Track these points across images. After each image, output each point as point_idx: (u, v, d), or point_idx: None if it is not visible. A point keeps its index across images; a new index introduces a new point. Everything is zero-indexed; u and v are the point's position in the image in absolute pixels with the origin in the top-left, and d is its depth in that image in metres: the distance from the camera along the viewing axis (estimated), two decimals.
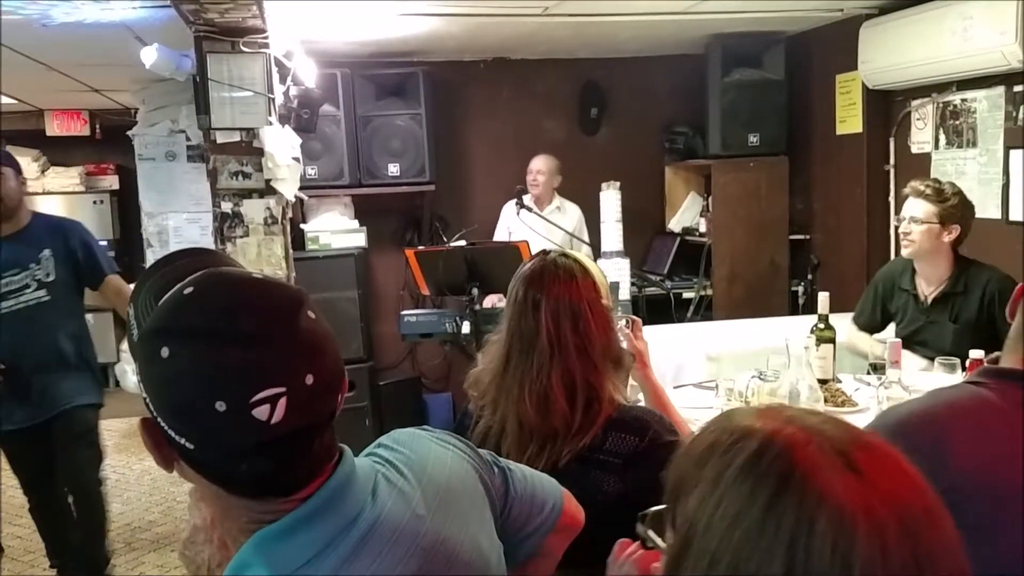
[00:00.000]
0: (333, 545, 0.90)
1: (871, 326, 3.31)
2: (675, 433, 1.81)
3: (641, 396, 2.23)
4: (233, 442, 0.85)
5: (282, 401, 0.84)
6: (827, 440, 0.65)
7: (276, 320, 0.87)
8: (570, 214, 5.09)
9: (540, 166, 5.04)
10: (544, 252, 1.91)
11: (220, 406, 0.83)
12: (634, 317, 2.29)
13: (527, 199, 4.83)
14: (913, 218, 3.01)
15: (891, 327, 3.27)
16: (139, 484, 5.21)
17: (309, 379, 0.86)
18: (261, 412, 0.84)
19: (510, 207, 5.17)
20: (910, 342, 3.09)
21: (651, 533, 0.80)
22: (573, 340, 1.75)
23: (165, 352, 0.85)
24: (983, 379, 1.43)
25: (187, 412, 0.85)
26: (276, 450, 0.86)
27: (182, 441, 0.86)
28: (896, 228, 3.21)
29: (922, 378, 2.68)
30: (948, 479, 1.37)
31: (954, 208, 2.98)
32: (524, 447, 1.75)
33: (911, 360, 2.99)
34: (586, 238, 4.93)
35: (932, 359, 2.85)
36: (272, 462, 0.87)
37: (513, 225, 5.07)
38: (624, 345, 2.16)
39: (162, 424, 0.87)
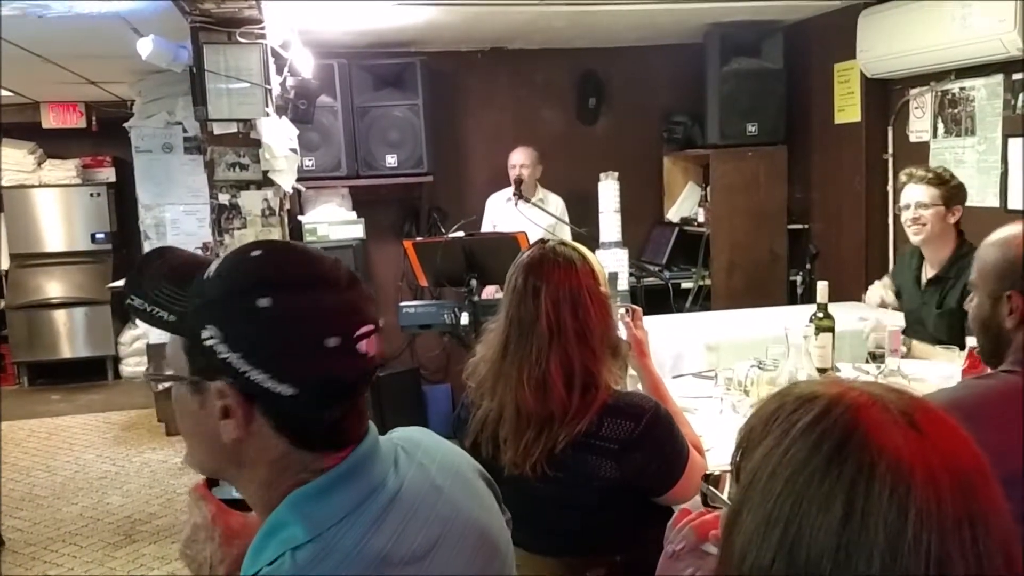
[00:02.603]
0: (362, 508, 0.95)
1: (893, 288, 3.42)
2: (670, 419, 1.82)
3: (640, 386, 2.23)
4: (336, 379, 0.94)
5: (373, 337, 0.96)
6: (891, 403, 0.69)
7: (342, 268, 0.99)
8: (554, 204, 5.08)
9: (523, 159, 5.00)
10: (543, 241, 1.92)
11: (331, 342, 0.92)
12: (634, 306, 2.30)
13: (511, 191, 4.82)
14: (920, 203, 3.05)
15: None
16: (139, 476, 5.22)
17: (381, 321, 0.99)
18: (363, 346, 0.94)
19: (494, 200, 5.16)
20: (910, 326, 3.13)
21: (712, 490, 0.83)
22: (573, 326, 1.76)
23: (265, 302, 0.91)
24: (1015, 367, 1.46)
25: (296, 354, 0.92)
26: (356, 392, 0.97)
27: (281, 389, 0.91)
28: (896, 217, 3.25)
29: (923, 366, 2.68)
30: None
31: (956, 188, 3.08)
32: (522, 433, 1.77)
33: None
34: (568, 222, 4.91)
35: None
36: (347, 407, 0.97)
37: (498, 218, 5.06)
38: (623, 334, 2.17)
39: (255, 379, 0.91)
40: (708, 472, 0.86)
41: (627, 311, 2.25)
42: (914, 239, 3.12)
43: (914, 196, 3.06)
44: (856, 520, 0.62)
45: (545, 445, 1.74)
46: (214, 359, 0.92)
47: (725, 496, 0.67)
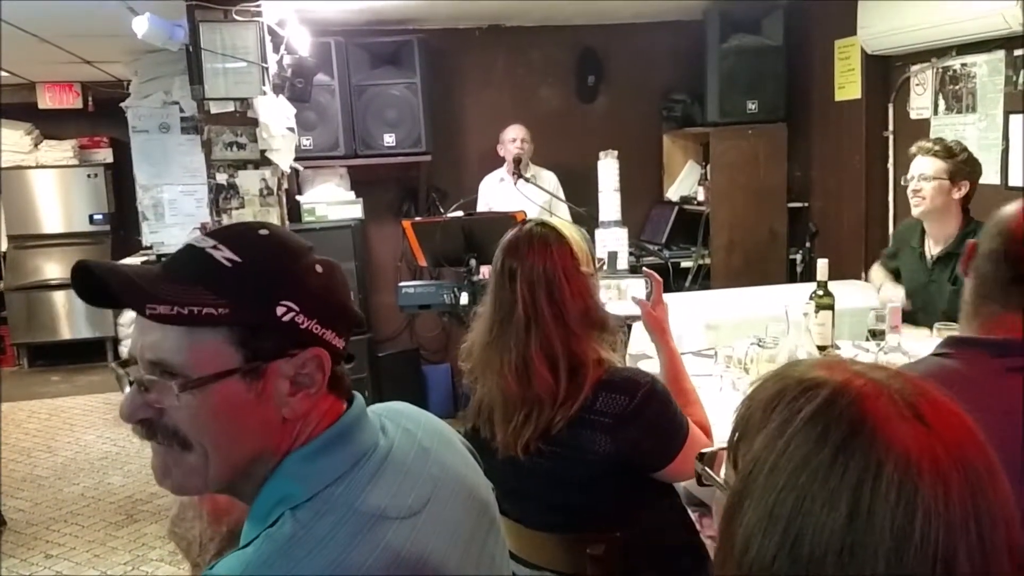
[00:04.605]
0: (356, 468, 0.98)
1: (889, 267, 3.39)
2: (666, 394, 1.81)
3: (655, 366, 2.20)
4: (359, 328, 1.06)
5: None
6: (897, 392, 0.67)
7: None
8: (547, 180, 5.05)
9: (521, 134, 4.95)
10: (523, 222, 1.91)
11: (354, 296, 1.03)
12: (656, 277, 2.23)
13: (507, 168, 4.79)
14: (923, 175, 3.01)
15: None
16: (140, 457, 5.23)
17: None
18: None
19: (488, 181, 5.14)
20: (914, 304, 3.11)
21: (708, 470, 0.82)
22: (549, 309, 1.76)
23: (320, 268, 1.00)
24: (948, 349, 1.40)
25: (345, 310, 1.02)
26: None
27: (341, 343, 1.02)
28: (899, 192, 3.21)
29: (922, 345, 2.67)
30: None
31: (963, 163, 3.00)
32: (510, 416, 1.77)
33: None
34: (563, 199, 4.90)
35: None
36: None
37: (493, 199, 5.03)
38: (639, 312, 2.15)
39: (330, 339, 1.00)
40: (703, 451, 0.85)
41: (647, 282, 2.22)
42: (914, 210, 3.10)
43: (919, 167, 3.03)
44: (862, 519, 0.61)
45: (537, 426, 1.74)
46: (294, 333, 0.95)
47: (721, 477, 0.67)
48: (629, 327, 3.19)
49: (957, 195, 3.00)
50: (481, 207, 5.10)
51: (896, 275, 3.34)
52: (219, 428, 0.95)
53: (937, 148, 3.01)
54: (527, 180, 4.69)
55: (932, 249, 3.13)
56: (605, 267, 4.37)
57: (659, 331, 2.16)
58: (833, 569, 0.61)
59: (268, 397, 0.95)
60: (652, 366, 2.74)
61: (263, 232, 1.00)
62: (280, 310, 0.94)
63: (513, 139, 4.95)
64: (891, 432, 0.64)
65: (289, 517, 0.92)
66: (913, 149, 3.11)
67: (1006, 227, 1.40)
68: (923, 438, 0.64)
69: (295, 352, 0.96)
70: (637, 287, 2.29)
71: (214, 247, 0.96)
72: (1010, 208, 1.45)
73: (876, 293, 3.30)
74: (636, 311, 2.22)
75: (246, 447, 0.97)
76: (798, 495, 0.64)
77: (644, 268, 2.38)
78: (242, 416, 0.95)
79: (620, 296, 2.32)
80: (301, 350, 0.96)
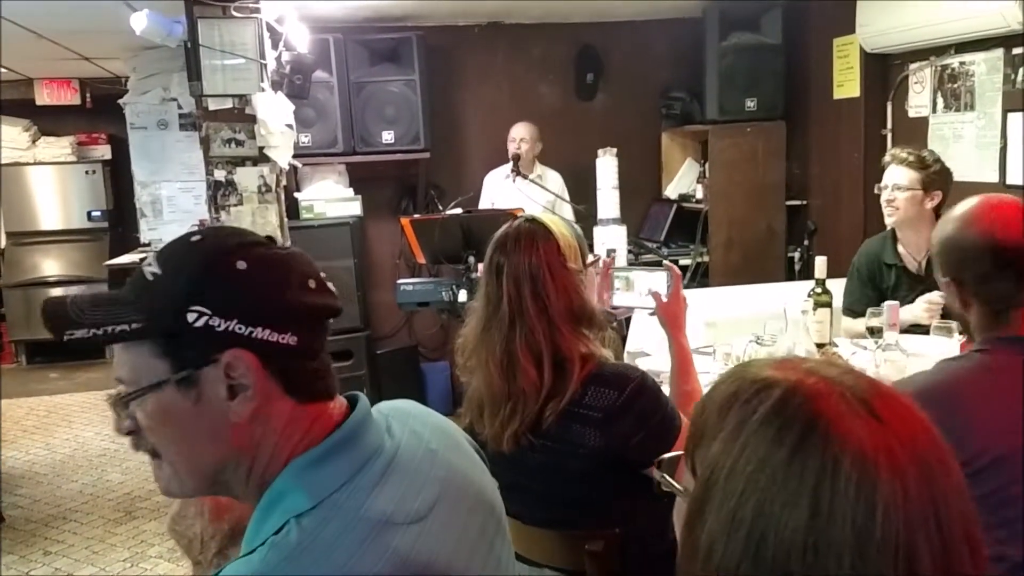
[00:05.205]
0: (361, 473, 0.97)
1: (863, 310, 3.13)
2: (657, 390, 1.81)
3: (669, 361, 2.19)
4: (323, 318, 1.00)
5: (327, 281, 1.02)
6: (848, 389, 0.67)
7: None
8: (552, 181, 5.05)
9: (523, 133, 4.96)
10: (515, 217, 1.92)
11: (312, 283, 0.98)
12: (676, 270, 2.23)
13: (509, 167, 4.79)
14: (897, 185, 3.02)
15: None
16: (138, 454, 5.21)
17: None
18: (330, 285, 1.01)
19: (492, 177, 5.13)
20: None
21: (667, 477, 0.81)
22: (534, 305, 1.78)
23: (242, 264, 0.95)
24: (987, 346, 1.43)
25: (288, 301, 0.96)
26: (319, 336, 1.00)
27: (286, 339, 0.95)
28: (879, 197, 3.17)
29: (919, 341, 2.67)
30: (981, 445, 1.38)
31: (936, 174, 3.01)
32: (496, 411, 1.79)
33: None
34: (568, 199, 4.89)
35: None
36: (324, 355, 1.01)
37: (496, 195, 5.03)
38: (651, 307, 2.15)
39: (260, 337, 0.94)
40: (661, 457, 0.84)
41: (668, 275, 2.21)
42: (887, 220, 3.11)
43: (893, 178, 3.04)
44: (823, 518, 0.61)
45: (523, 420, 1.76)
46: (211, 337, 0.92)
47: (682, 484, 0.66)
48: (627, 322, 3.19)
49: (930, 204, 3.01)
50: (484, 202, 5.10)
51: (878, 300, 3.07)
52: (170, 437, 0.98)
53: (911, 158, 3.02)
54: (525, 178, 4.69)
55: (915, 258, 3.11)
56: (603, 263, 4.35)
57: (672, 325, 2.16)
58: (798, 568, 0.61)
59: (208, 403, 0.95)
60: (650, 364, 2.75)
61: (195, 239, 0.99)
62: (191, 316, 0.92)
63: (513, 138, 4.95)
64: (845, 429, 0.64)
65: (294, 525, 0.92)
66: (887, 158, 3.12)
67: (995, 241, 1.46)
68: (877, 434, 0.64)
69: (218, 356, 0.94)
70: (648, 279, 2.30)
71: (148, 263, 0.98)
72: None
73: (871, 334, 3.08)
74: (643, 303, 2.22)
75: (206, 455, 0.98)
76: (759, 498, 0.64)
77: (665, 261, 2.38)
78: (186, 424, 0.96)
79: (628, 288, 2.31)
80: (223, 354, 0.94)
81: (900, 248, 3.14)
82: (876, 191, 3.15)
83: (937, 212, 3.03)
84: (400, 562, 0.93)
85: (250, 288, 0.94)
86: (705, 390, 0.76)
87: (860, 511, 0.61)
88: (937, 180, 3.01)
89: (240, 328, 0.93)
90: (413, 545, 0.95)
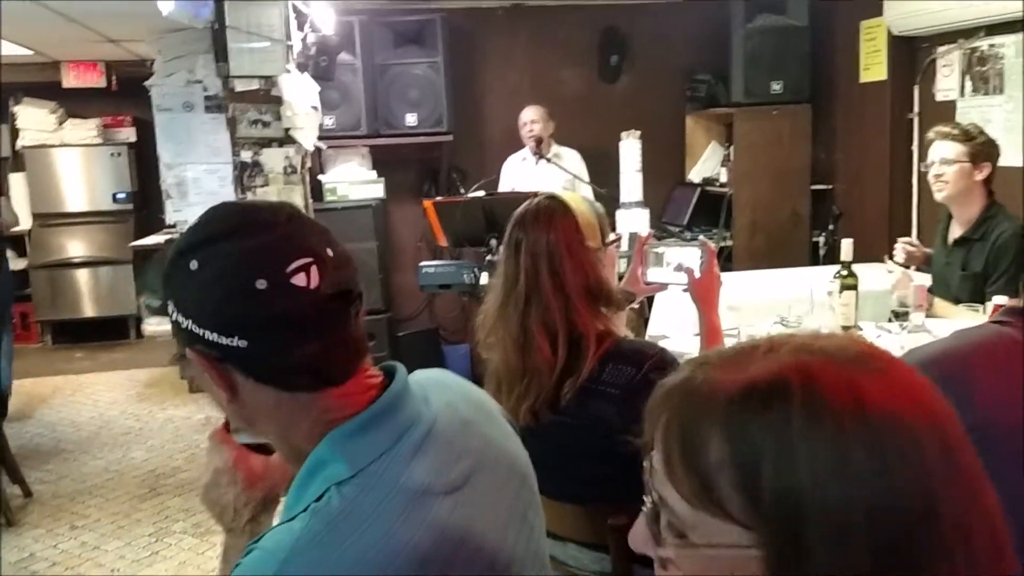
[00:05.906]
0: (400, 443, 0.98)
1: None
2: (677, 365, 1.81)
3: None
4: (280, 318, 0.92)
5: (313, 268, 0.93)
6: (839, 356, 0.67)
7: (283, 210, 0.99)
8: (570, 159, 5.02)
9: (533, 115, 4.92)
10: (534, 195, 1.92)
11: (260, 284, 0.91)
12: (711, 246, 2.23)
13: (528, 150, 4.78)
14: (944, 159, 2.97)
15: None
16: (162, 432, 5.29)
17: (329, 252, 0.96)
18: (299, 280, 0.92)
19: (511, 162, 5.12)
20: (936, 285, 3.08)
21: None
22: (550, 281, 1.78)
23: (194, 264, 0.94)
24: (1008, 318, 1.42)
25: (232, 305, 0.93)
26: (321, 326, 0.95)
27: (235, 343, 0.93)
28: (923, 175, 3.15)
29: (946, 324, 2.66)
30: (974, 417, 1.37)
31: (982, 145, 2.96)
32: (513, 386, 1.80)
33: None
34: (587, 179, 4.89)
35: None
36: (320, 343, 0.95)
37: (515, 179, 5.02)
38: (684, 282, 2.16)
39: (211, 339, 0.94)
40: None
41: (702, 251, 2.21)
42: (937, 196, 3.06)
43: (939, 152, 3.00)
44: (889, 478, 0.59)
45: (538, 396, 1.76)
46: (181, 332, 0.97)
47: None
48: (650, 302, 3.18)
49: (979, 176, 2.96)
50: (504, 187, 5.09)
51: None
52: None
53: (955, 131, 2.98)
54: (548, 160, 4.68)
55: (954, 232, 3.10)
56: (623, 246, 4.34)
57: (704, 302, 2.15)
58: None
59: (205, 381, 1.00)
60: (669, 347, 2.74)
61: (186, 229, 1.03)
62: (169, 308, 0.98)
63: (524, 123, 4.93)
64: (866, 396, 0.62)
65: (335, 492, 0.93)
66: (931, 135, 3.07)
67: None
68: (887, 387, 0.64)
69: (189, 350, 0.98)
70: (679, 254, 2.30)
71: None
72: None
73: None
74: (677, 279, 2.22)
75: (268, 427, 1.03)
76: (865, 495, 0.59)
77: (700, 237, 2.38)
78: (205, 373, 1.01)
79: (658, 262, 2.31)
80: (192, 347, 0.97)
81: (953, 221, 3.12)
82: (923, 169, 3.11)
83: (987, 185, 2.99)
84: (438, 531, 0.94)
85: (198, 290, 0.95)
86: None
87: (875, 463, 0.60)
88: (984, 150, 2.96)
89: (195, 328, 0.95)
90: (451, 515, 0.96)
